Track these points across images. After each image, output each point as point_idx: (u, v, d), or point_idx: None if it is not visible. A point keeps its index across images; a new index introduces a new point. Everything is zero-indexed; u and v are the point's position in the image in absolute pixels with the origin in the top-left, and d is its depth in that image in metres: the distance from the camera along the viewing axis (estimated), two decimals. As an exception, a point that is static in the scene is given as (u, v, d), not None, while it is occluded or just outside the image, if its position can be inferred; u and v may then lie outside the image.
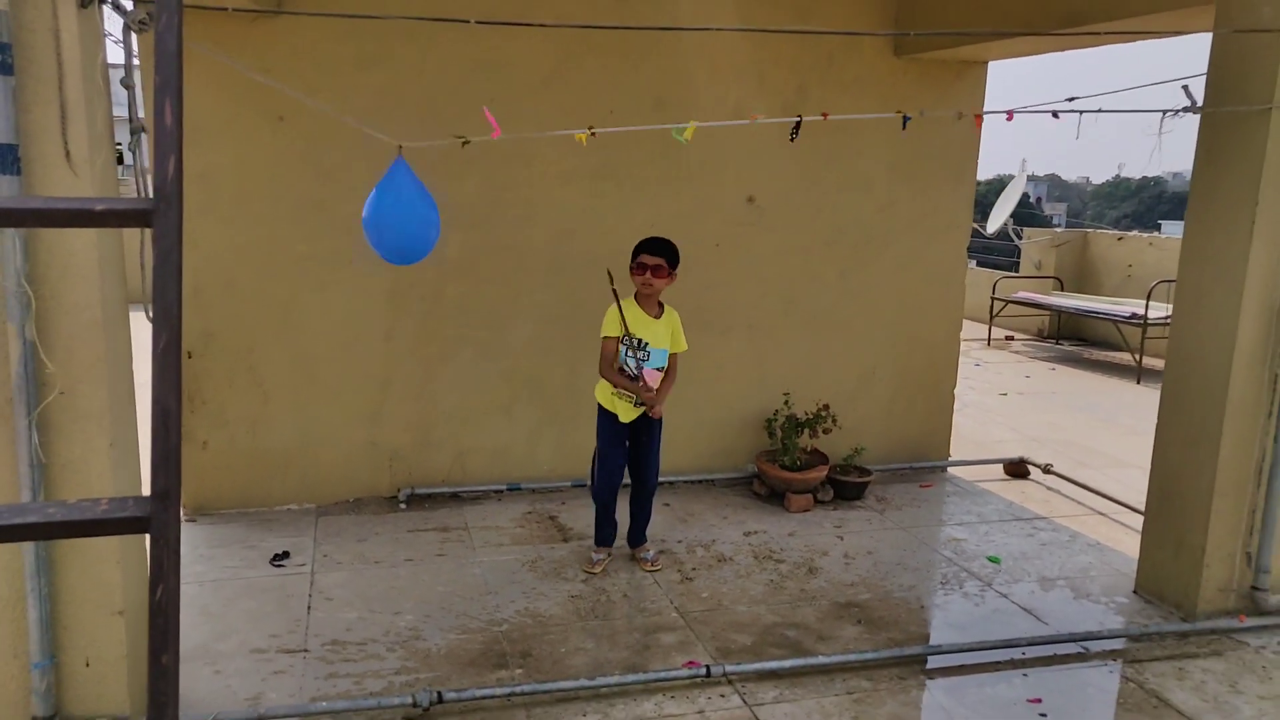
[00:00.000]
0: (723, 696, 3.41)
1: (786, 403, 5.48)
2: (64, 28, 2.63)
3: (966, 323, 12.74)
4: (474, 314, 5.15)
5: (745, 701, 3.38)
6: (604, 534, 4.49)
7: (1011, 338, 11.86)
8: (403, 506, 5.12)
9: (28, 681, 2.84)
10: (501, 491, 5.36)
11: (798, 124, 3.53)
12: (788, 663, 3.59)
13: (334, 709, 3.17)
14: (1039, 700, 3.50)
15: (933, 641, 3.91)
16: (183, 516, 4.86)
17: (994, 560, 4.81)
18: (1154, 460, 4.31)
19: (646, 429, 4.33)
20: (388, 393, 5.12)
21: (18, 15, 2.57)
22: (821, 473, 5.38)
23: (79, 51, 2.66)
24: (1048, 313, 11.73)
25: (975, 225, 15.17)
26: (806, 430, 5.33)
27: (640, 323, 4.20)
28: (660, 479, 5.53)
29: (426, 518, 5.01)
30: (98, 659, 2.93)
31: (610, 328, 4.21)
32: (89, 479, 2.83)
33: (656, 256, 4.14)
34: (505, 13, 4.69)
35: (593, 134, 3.42)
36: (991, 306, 11.60)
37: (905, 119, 3.63)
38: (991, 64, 5.87)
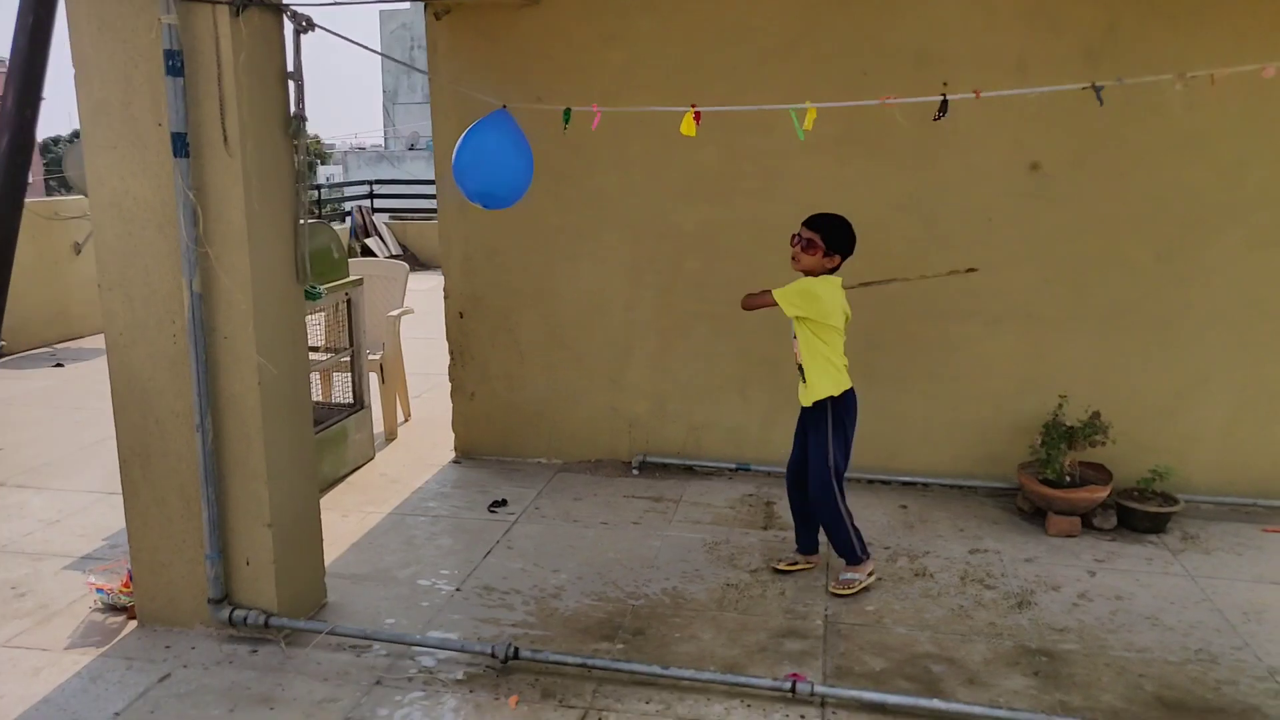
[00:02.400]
0: (802, 718, 3.07)
1: (1060, 407, 4.60)
2: (221, 35, 3.16)
3: None
4: (711, 289, 5.09)
5: (823, 730, 3.02)
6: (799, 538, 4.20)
7: None
8: (635, 473, 5.28)
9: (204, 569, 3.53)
10: (733, 470, 5.27)
11: (943, 103, 3.02)
12: (893, 698, 3.10)
13: (426, 642, 3.45)
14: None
15: (1125, 720, 3.09)
16: (451, 458, 5.56)
17: (1308, 639, 3.63)
18: None
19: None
20: (628, 361, 5.29)
21: (186, 26, 3.15)
22: (1096, 493, 4.46)
23: (233, 54, 3.17)
24: None
25: None
26: (1070, 441, 4.44)
27: None
28: (910, 479, 5.07)
29: (650, 486, 5.11)
30: (255, 560, 3.52)
31: None
32: (244, 411, 3.40)
33: (810, 230, 3.78)
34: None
35: (697, 116, 3.29)
36: None
37: (1098, 90, 2.87)
38: None
